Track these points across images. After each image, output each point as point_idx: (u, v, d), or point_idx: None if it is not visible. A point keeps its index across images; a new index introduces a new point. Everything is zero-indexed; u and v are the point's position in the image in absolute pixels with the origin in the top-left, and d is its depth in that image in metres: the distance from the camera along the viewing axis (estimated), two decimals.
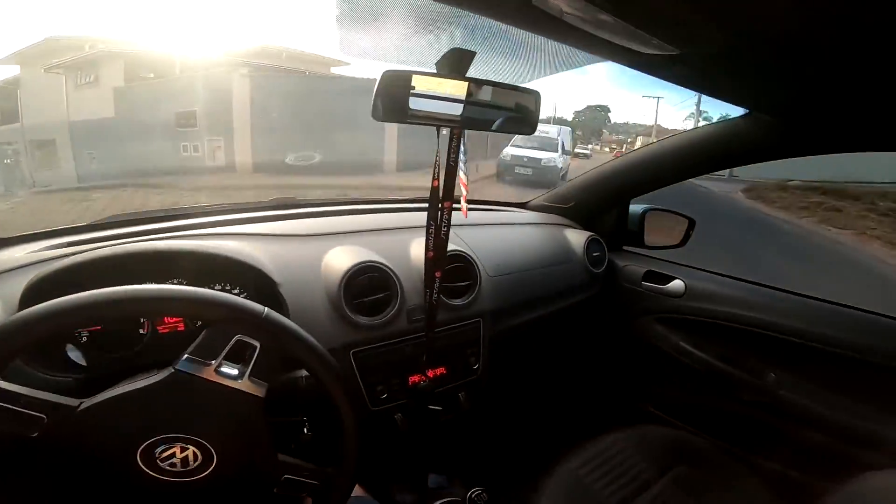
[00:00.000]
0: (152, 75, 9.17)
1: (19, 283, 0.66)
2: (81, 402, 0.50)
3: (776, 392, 1.11)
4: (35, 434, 0.48)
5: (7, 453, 0.52)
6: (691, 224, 1.33)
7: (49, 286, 0.66)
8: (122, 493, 0.53)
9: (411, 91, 0.61)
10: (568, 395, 1.53)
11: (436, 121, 0.67)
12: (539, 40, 0.65)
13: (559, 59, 0.73)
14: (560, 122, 19.24)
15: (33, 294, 0.66)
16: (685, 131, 1.15)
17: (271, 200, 1.13)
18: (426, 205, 0.73)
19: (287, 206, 1.11)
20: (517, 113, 0.71)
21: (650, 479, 0.92)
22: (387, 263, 0.90)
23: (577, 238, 1.33)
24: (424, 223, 0.74)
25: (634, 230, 1.37)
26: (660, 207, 1.39)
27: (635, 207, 1.38)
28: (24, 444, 0.48)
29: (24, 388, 0.48)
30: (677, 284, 1.26)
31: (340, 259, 0.89)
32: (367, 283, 0.88)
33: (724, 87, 0.77)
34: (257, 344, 0.53)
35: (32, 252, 0.75)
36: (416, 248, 0.98)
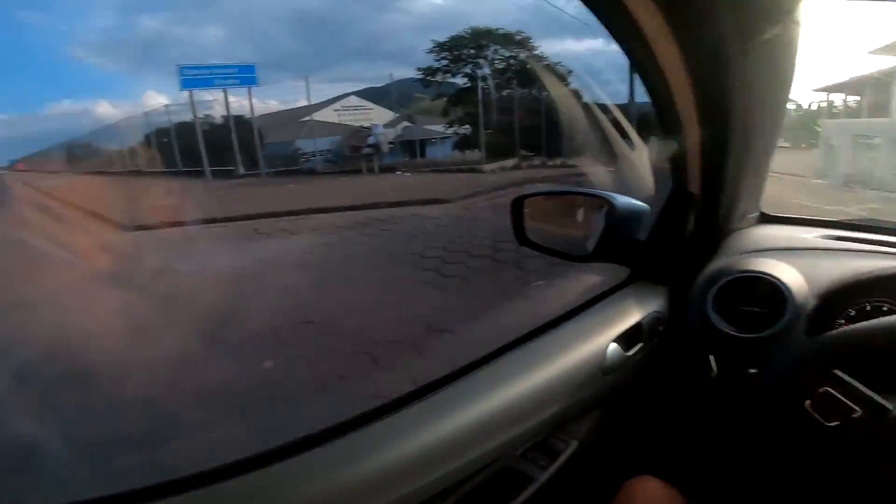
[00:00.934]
0: None
1: (817, 266, 0.74)
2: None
3: None
4: (833, 423, 0.47)
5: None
6: None
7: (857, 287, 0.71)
8: None
9: None
10: None
11: None
12: None
13: None
14: None
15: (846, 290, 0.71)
16: None
17: None
18: None
19: None
20: None
21: None
22: None
23: None
24: None
25: None
26: None
27: None
28: (810, 429, 0.48)
29: (854, 380, 0.47)
30: None
31: None
32: None
33: None
34: None
35: (816, 237, 0.82)
36: None
